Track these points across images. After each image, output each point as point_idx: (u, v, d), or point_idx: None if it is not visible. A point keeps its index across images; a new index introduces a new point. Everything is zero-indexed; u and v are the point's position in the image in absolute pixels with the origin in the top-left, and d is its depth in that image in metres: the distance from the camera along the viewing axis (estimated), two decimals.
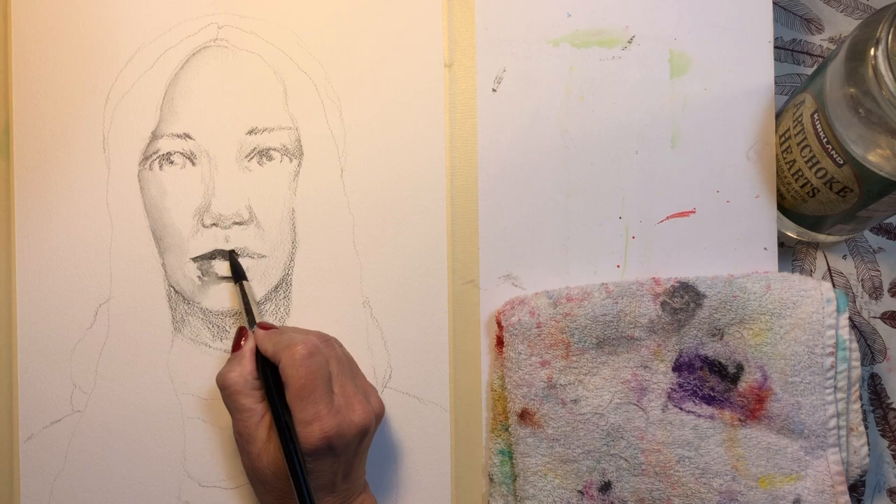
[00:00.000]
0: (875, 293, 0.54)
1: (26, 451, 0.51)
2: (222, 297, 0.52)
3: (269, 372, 0.46)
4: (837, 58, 0.44)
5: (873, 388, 0.54)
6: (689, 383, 0.50)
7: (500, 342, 0.51)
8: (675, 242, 0.53)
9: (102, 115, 0.52)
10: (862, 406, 0.51)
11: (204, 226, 0.52)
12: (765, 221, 0.53)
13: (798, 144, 0.48)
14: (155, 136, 0.52)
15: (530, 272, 0.52)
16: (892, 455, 0.53)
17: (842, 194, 0.47)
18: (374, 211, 0.52)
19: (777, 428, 0.50)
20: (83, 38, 0.52)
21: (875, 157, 0.43)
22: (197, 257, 0.52)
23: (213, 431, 0.52)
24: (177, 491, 0.51)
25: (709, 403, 0.50)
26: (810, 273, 0.55)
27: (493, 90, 0.53)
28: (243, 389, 0.46)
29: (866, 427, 0.53)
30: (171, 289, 0.52)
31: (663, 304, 0.50)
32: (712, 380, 0.50)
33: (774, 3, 0.53)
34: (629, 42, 0.53)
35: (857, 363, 0.50)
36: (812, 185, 0.48)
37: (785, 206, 0.52)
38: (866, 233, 0.55)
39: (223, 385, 0.47)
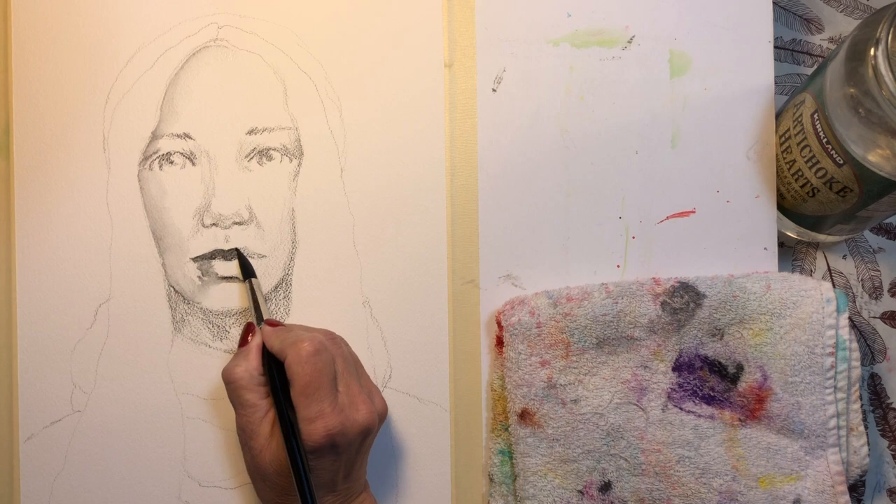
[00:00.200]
0: (875, 293, 0.54)
1: (26, 451, 0.51)
2: (222, 297, 0.52)
3: (274, 368, 0.46)
4: (837, 58, 0.44)
5: (873, 388, 0.54)
6: (689, 383, 0.50)
7: (500, 342, 0.51)
8: (675, 242, 0.53)
9: (102, 115, 0.52)
10: (862, 406, 0.51)
11: (204, 226, 0.52)
12: (765, 221, 0.53)
13: (798, 144, 0.48)
14: (155, 136, 0.52)
15: (530, 272, 0.52)
16: (892, 455, 0.53)
17: (842, 194, 0.47)
18: (374, 211, 0.52)
19: (777, 428, 0.50)
20: (83, 38, 0.52)
21: (875, 157, 0.43)
22: (197, 257, 0.52)
23: (213, 431, 0.52)
24: (177, 491, 0.51)
25: (709, 403, 0.50)
26: (810, 273, 0.55)
27: (493, 90, 0.53)
28: (248, 385, 0.46)
29: (866, 427, 0.53)
30: (171, 289, 0.52)
31: (663, 304, 0.50)
32: (712, 380, 0.50)
33: (774, 3, 0.53)
34: (629, 42, 0.53)
35: (857, 363, 0.50)
36: (812, 185, 0.48)
37: (785, 206, 0.52)
38: (866, 233, 0.55)
39: (229, 379, 0.47)
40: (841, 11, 0.56)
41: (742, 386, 0.50)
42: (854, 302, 0.54)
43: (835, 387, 0.49)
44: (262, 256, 0.52)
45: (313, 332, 0.47)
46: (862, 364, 0.53)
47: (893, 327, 0.54)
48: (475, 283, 0.52)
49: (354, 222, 0.52)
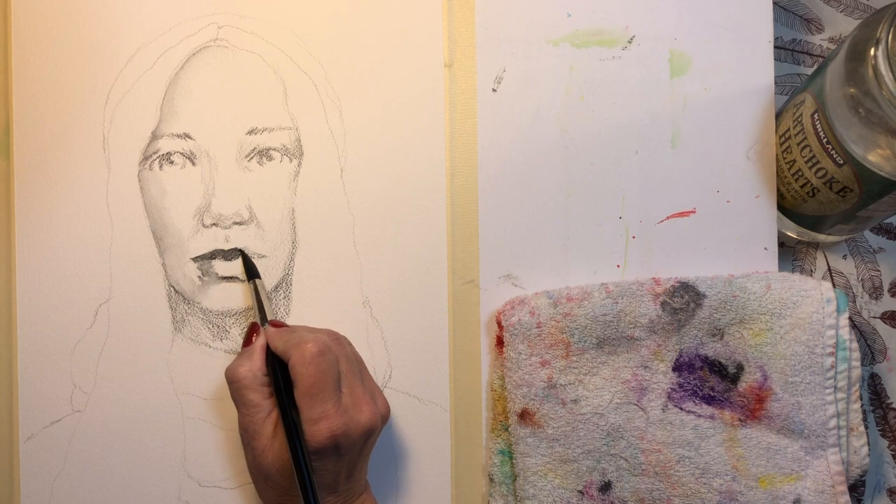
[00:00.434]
0: (875, 293, 0.54)
1: (26, 451, 0.51)
2: (222, 297, 0.52)
3: (278, 369, 0.46)
4: (837, 58, 0.44)
5: (873, 388, 0.54)
6: (689, 383, 0.50)
7: (500, 342, 0.51)
8: (675, 242, 0.53)
9: (102, 115, 0.52)
10: (862, 406, 0.51)
11: (204, 226, 0.52)
12: (765, 221, 0.53)
13: (798, 144, 0.48)
14: (155, 136, 0.52)
15: (530, 272, 0.52)
16: (892, 455, 0.53)
17: (842, 194, 0.47)
18: (374, 211, 0.52)
19: (777, 428, 0.50)
20: (83, 38, 0.52)
21: (875, 157, 0.43)
22: (197, 257, 0.52)
23: (213, 431, 0.52)
24: (177, 491, 0.51)
25: (709, 403, 0.50)
26: (810, 273, 0.55)
27: (493, 90, 0.53)
28: (252, 385, 0.46)
29: (866, 427, 0.53)
30: (171, 289, 0.52)
31: (663, 304, 0.50)
32: (712, 380, 0.50)
33: (774, 3, 0.53)
34: (629, 42, 0.53)
35: (857, 363, 0.50)
36: (812, 185, 0.48)
37: (785, 206, 0.52)
38: (866, 233, 0.55)
39: (232, 379, 0.47)
40: (841, 11, 0.56)
41: (742, 386, 0.50)
42: (854, 302, 0.54)
43: (835, 387, 0.49)
44: (263, 256, 0.52)
45: (317, 333, 0.47)
46: (862, 364, 0.53)
47: (893, 327, 0.54)
48: (475, 283, 0.52)
49: (354, 222, 0.52)
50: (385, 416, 0.48)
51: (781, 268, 0.54)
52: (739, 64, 0.53)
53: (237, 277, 0.52)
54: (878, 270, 0.54)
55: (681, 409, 0.50)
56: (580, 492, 0.51)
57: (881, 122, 0.41)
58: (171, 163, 0.52)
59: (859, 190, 0.46)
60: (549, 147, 0.53)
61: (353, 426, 0.45)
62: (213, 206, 0.52)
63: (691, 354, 0.50)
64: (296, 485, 0.44)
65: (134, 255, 0.52)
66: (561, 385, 0.50)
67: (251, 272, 0.51)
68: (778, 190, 0.52)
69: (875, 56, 0.40)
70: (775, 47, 0.55)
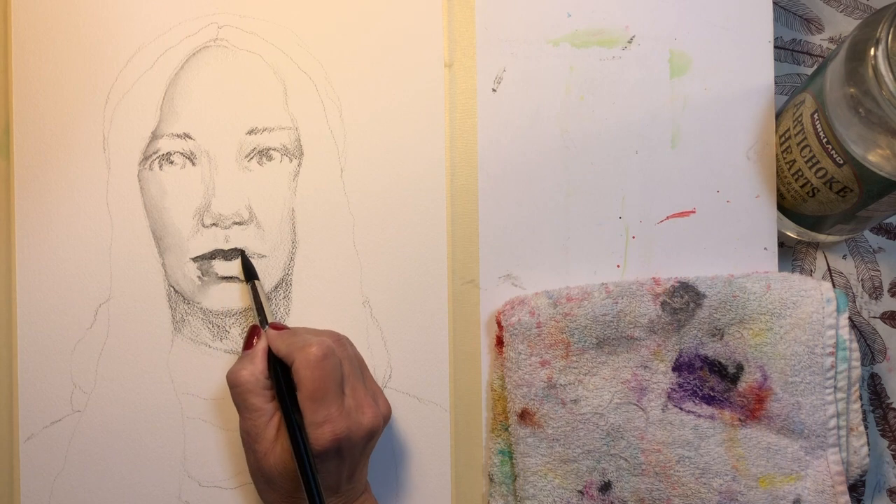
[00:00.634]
0: (875, 293, 0.54)
1: (26, 451, 0.51)
2: (222, 297, 0.52)
3: (280, 372, 0.46)
4: (837, 58, 0.44)
5: (873, 388, 0.54)
6: (689, 383, 0.50)
7: (500, 342, 0.51)
8: (675, 242, 0.53)
9: (102, 115, 0.52)
10: (862, 406, 0.51)
11: (204, 226, 0.52)
12: (765, 221, 0.53)
13: (798, 144, 0.48)
14: (155, 136, 0.52)
15: (530, 272, 0.52)
16: (892, 455, 0.53)
17: (842, 194, 0.47)
18: (374, 211, 0.52)
19: (777, 428, 0.50)
20: (83, 38, 0.52)
21: (875, 157, 0.43)
22: (197, 257, 0.52)
23: (213, 431, 0.52)
24: (177, 491, 0.51)
25: (709, 403, 0.50)
26: (810, 273, 0.55)
27: (493, 90, 0.53)
28: (254, 388, 0.46)
29: (866, 427, 0.53)
30: (171, 289, 0.52)
31: (663, 304, 0.50)
32: (712, 380, 0.50)
33: (774, 3, 0.53)
34: (629, 42, 0.53)
35: (857, 363, 0.50)
36: (812, 185, 0.48)
37: (785, 206, 0.52)
38: (866, 233, 0.55)
39: (234, 383, 0.46)
40: (841, 11, 0.56)
41: (742, 386, 0.50)
42: (854, 302, 0.54)
43: (835, 387, 0.49)
44: (262, 256, 0.52)
45: (320, 336, 0.47)
46: (862, 364, 0.53)
47: (893, 327, 0.54)
48: (475, 283, 0.52)
49: (354, 222, 0.52)
50: (387, 417, 0.48)
51: (781, 268, 0.54)
52: (739, 64, 0.53)
53: (237, 277, 0.52)
54: (878, 270, 0.54)
55: (681, 409, 0.50)
56: (580, 492, 0.51)
57: (881, 122, 0.41)
58: (171, 163, 0.52)
59: (859, 190, 0.46)
60: (549, 147, 0.53)
61: (356, 428, 0.45)
62: (212, 206, 0.52)
63: (691, 354, 0.50)
64: (298, 487, 0.44)
65: (134, 255, 0.52)
66: (561, 385, 0.50)
67: (250, 274, 0.51)
68: (778, 190, 0.52)
69: (875, 56, 0.40)
70: (775, 47, 0.55)
